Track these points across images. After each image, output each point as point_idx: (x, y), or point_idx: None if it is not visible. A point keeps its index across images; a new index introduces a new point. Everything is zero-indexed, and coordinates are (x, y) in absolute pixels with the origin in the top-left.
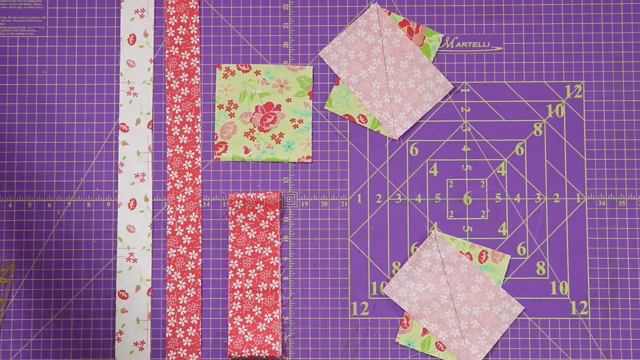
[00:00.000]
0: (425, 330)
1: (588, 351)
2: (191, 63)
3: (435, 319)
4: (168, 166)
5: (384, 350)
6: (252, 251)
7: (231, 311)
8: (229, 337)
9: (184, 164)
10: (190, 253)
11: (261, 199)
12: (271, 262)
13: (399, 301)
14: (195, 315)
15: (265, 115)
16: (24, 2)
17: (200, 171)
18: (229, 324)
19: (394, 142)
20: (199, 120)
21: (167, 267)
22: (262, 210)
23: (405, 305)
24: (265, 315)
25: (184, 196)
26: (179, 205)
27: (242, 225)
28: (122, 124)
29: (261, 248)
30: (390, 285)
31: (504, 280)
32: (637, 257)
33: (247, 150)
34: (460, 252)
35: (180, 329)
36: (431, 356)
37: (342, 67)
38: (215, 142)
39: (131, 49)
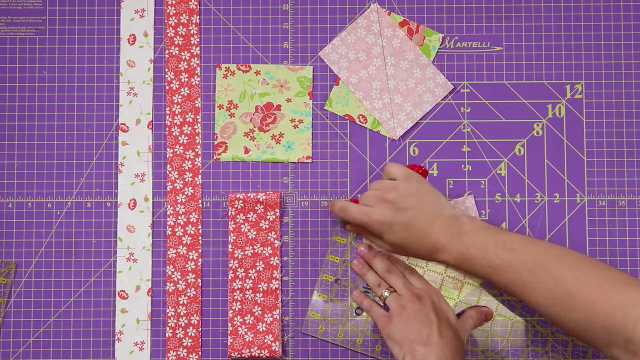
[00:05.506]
0: None
1: (588, 351)
2: (191, 63)
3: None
4: (168, 166)
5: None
6: (252, 251)
7: (231, 311)
8: (229, 337)
9: (184, 164)
10: (190, 253)
11: (261, 199)
12: (271, 262)
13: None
14: (195, 315)
15: (265, 115)
16: (24, 2)
17: (200, 171)
18: (229, 324)
19: (394, 142)
20: (199, 120)
21: (167, 267)
22: (262, 210)
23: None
24: (265, 315)
25: (184, 196)
26: (179, 205)
27: (242, 226)
28: (122, 124)
29: (261, 248)
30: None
31: None
32: (637, 257)
33: (247, 151)
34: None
35: (180, 329)
36: None
37: (342, 67)
38: (215, 142)
39: (131, 49)
